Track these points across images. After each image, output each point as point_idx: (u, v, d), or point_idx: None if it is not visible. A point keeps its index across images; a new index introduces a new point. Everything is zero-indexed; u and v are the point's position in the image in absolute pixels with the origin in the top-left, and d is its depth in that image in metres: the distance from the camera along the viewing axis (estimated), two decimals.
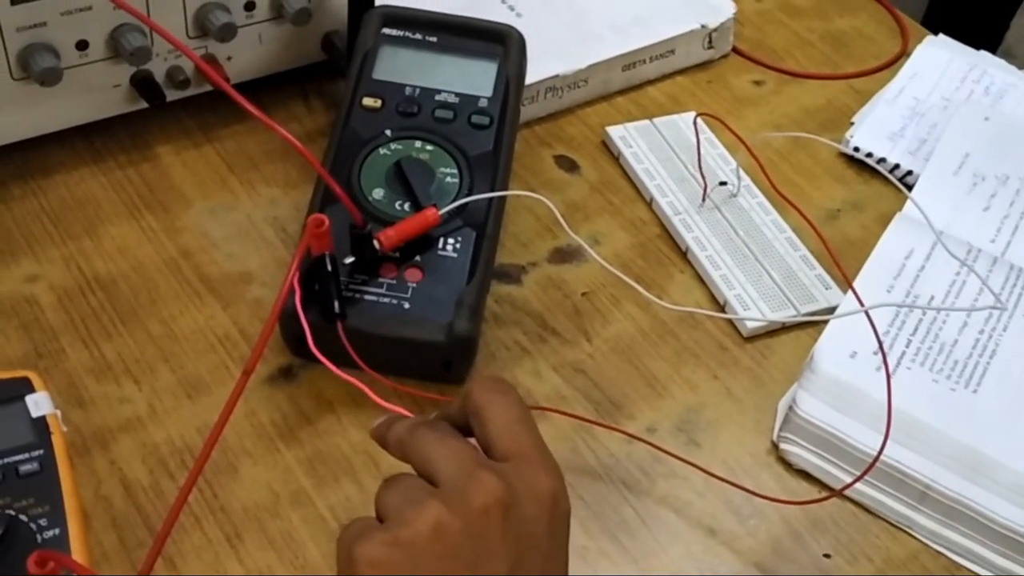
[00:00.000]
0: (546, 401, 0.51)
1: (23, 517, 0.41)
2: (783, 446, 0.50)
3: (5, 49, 0.53)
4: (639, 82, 0.68)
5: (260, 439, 0.49)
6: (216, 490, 0.47)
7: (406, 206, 0.52)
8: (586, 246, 0.52)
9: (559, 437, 0.50)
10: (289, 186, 0.60)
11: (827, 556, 0.47)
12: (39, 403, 0.45)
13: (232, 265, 0.56)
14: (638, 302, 0.56)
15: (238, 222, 0.58)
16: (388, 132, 0.54)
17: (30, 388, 0.45)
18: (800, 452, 0.49)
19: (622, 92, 0.68)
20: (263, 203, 0.59)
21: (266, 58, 0.62)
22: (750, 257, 0.57)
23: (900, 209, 0.60)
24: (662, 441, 0.50)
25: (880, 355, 0.51)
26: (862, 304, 0.51)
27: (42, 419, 0.44)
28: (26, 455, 0.43)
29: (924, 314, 0.53)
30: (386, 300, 0.49)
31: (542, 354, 0.53)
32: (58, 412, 0.45)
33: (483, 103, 0.55)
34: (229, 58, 0.61)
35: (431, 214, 0.50)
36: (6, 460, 0.43)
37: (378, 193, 0.53)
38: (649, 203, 0.61)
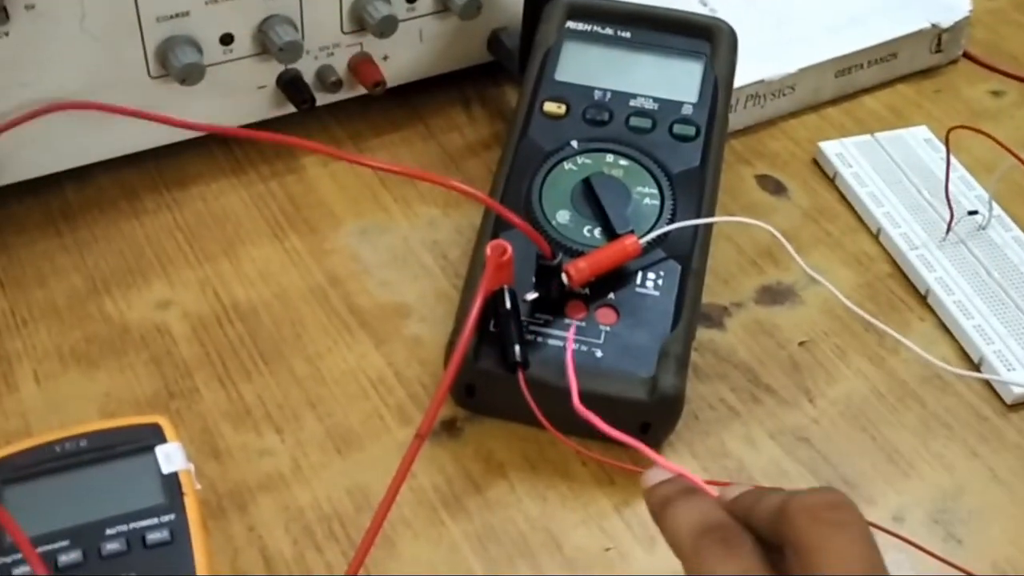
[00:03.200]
0: (763, 476, 0.42)
1: None
2: None
3: (143, 42, 0.47)
4: (853, 91, 0.58)
5: (421, 507, 0.41)
6: (371, 570, 0.39)
7: (596, 232, 0.44)
8: (821, 280, 0.42)
9: None
10: (450, 205, 0.52)
11: None
12: (171, 456, 0.37)
13: (386, 295, 0.48)
14: (870, 356, 0.46)
15: (393, 245, 0.50)
16: (574, 144, 0.46)
17: (161, 437, 0.38)
18: None
19: (833, 102, 0.58)
20: (421, 224, 0.51)
21: (426, 58, 0.55)
22: (1010, 304, 0.47)
23: None
24: (913, 534, 0.40)
25: None
26: None
27: (174, 476, 0.37)
28: (155, 520, 0.36)
29: None
30: (574, 346, 0.41)
31: (755, 417, 0.44)
32: (192, 467, 0.38)
33: (687, 110, 0.47)
34: (386, 57, 0.54)
35: (630, 243, 0.42)
36: (132, 525, 0.35)
37: (563, 216, 0.44)
38: (876, 234, 0.51)
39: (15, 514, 0.35)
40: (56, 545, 0.35)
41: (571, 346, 0.40)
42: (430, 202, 0.52)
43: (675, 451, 0.43)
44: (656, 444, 0.42)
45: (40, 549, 0.35)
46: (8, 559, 0.35)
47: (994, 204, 0.50)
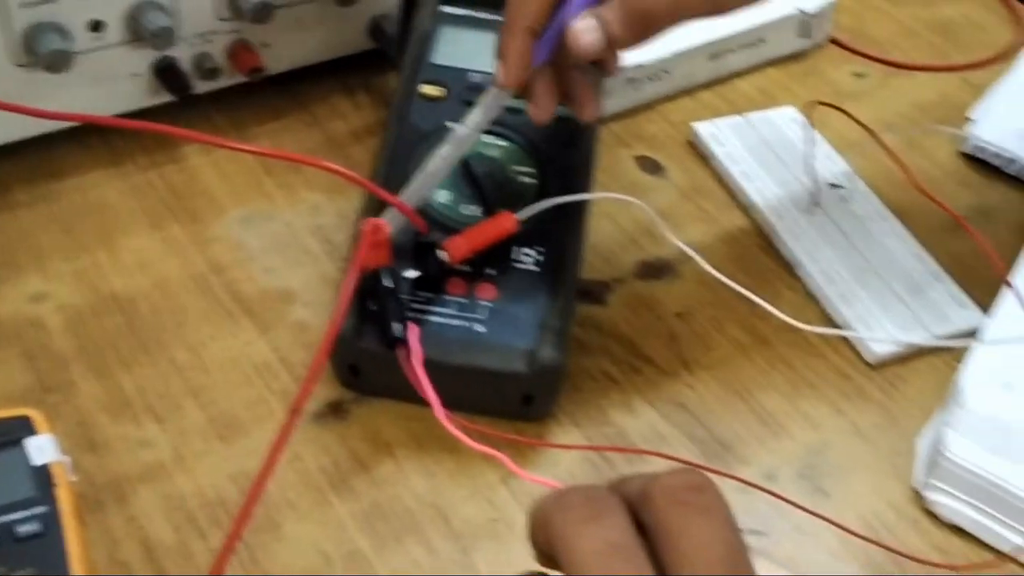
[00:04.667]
0: (642, 441, 0.43)
1: None
2: (930, 496, 0.41)
3: (9, 30, 0.46)
4: (726, 74, 0.60)
5: (307, 489, 0.41)
6: (256, 552, 0.39)
7: (475, 211, 0.44)
8: (695, 256, 0.43)
9: None
10: (334, 191, 0.52)
11: None
12: (42, 448, 0.37)
13: (271, 282, 0.48)
14: (743, 325, 0.48)
15: (277, 232, 0.50)
16: (452, 125, 0.47)
17: (30, 430, 0.37)
18: (952, 504, 0.41)
19: (707, 86, 0.60)
20: (304, 210, 0.51)
21: (307, 45, 0.55)
22: (870, 271, 0.49)
23: None
24: (784, 490, 0.41)
25: None
26: None
27: (45, 468, 0.36)
28: (25, 513, 0.35)
29: None
30: (456, 322, 0.42)
31: (635, 386, 0.45)
32: (66, 459, 0.37)
33: None
34: (265, 45, 0.53)
35: (507, 220, 0.42)
36: (1, 519, 0.35)
37: (443, 196, 0.45)
38: (747, 209, 0.53)
39: None
40: None
41: (418, 355, 0.39)
42: (314, 188, 0.52)
43: (558, 422, 0.44)
44: (540, 416, 0.43)
45: None
46: None
47: (856, 178, 0.52)
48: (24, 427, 0.37)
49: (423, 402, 0.40)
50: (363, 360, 0.42)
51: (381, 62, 0.58)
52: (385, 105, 0.57)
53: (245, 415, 0.43)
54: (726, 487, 0.41)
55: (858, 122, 0.51)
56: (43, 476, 0.36)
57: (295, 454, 0.42)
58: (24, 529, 0.34)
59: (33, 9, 0.46)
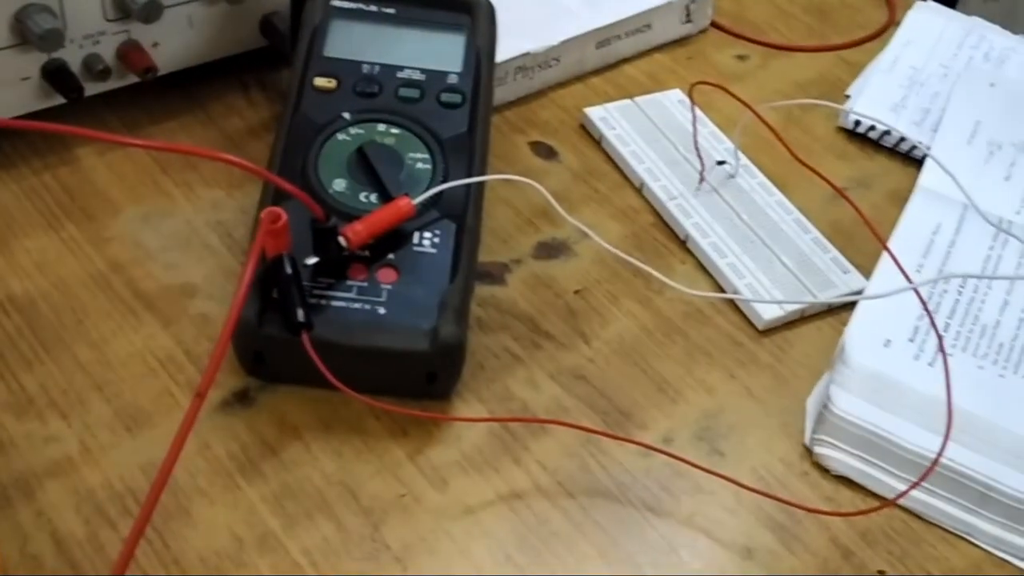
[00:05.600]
0: (545, 413, 0.45)
1: None
2: (818, 450, 0.44)
3: None
4: (615, 60, 0.62)
5: (216, 476, 0.41)
6: (167, 539, 0.39)
7: (373, 197, 0.45)
8: (591, 234, 0.45)
9: (565, 454, 0.43)
10: (233, 186, 0.52)
11: (881, 573, 0.41)
12: None
13: (172, 277, 0.48)
14: (638, 298, 0.50)
15: (176, 229, 0.50)
16: (346, 115, 0.47)
17: None
18: (839, 456, 0.43)
19: (597, 72, 0.62)
20: (204, 207, 0.52)
21: (198, 44, 0.55)
22: (757, 242, 0.51)
23: (910, 185, 0.55)
24: (682, 452, 0.43)
25: (916, 342, 0.45)
26: (911, 281, 0.45)
27: None
28: None
29: (960, 294, 0.47)
30: (357, 306, 0.42)
31: (536, 361, 0.47)
32: None
33: (453, 79, 0.49)
34: (155, 44, 0.53)
35: (404, 204, 0.44)
36: None
37: (339, 184, 0.46)
38: (639, 189, 0.55)
39: None
40: None
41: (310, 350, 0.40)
42: (213, 184, 0.53)
43: (463, 399, 0.45)
44: (444, 393, 0.44)
45: None
46: None
47: (740, 155, 0.55)
48: None
49: (330, 387, 0.41)
50: (267, 347, 0.42)
51: (274, 59, 0.58)
52: (280, 100, 0.58)
53: (151, 407, 0.43)
54: (627, 453, 0.44)
55: (740, 100, 0.54)
56: None
57: (204, 442, 0.42)
58: None
59: None
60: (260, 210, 0.45)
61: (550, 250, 0.52)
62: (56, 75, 0.51)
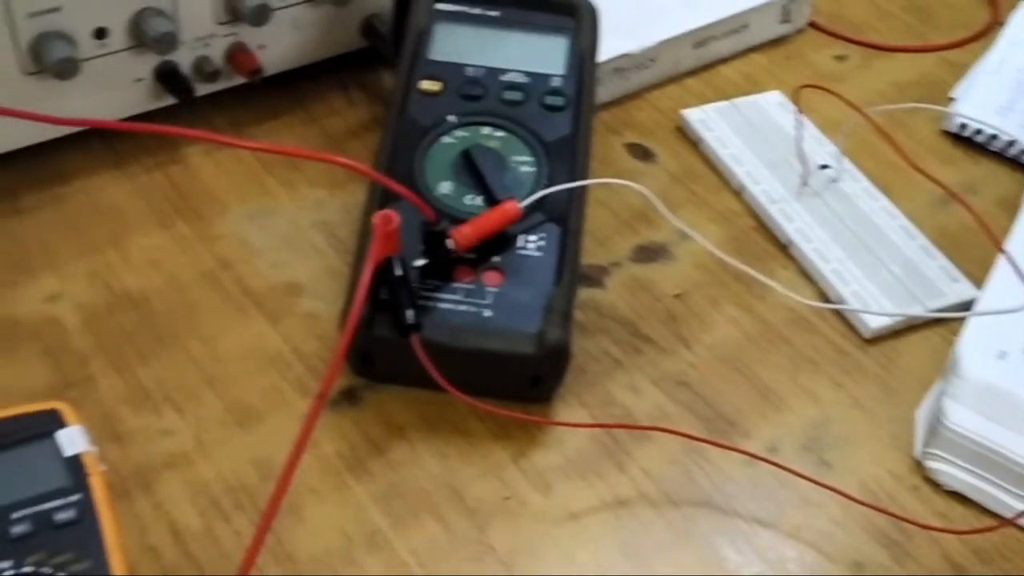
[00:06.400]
0: (648, 419, 0.45)
1: None
2: (930, 464, 0.43)
3: (17, 40, 0.47)
4: (711, 61, 0.62)
5: (326, 474, 0.42)
6: (280, 535, 0.40)
7: (478, 200, 0.46)
8: (696, 236, 0.45)
9: (669, 461, 0.43)
10: (335, 186, 0.53)
11: None
12: (72, 439, 0.38)
13: (278, 276, 0.49)
14: (740, 304, 0.49)
15: (281, 228, 0.51)
16: (452, 118, 0.48)
17: (60, 423, 0.38)
18: (952, 471, 0.43)
19: (693, 73, 0.61)
20: (308, 206, 0.52)
21: (302, 46, 0.56)
22: (862, 248, 0.51)
23: (1018, 191, 0.54)
24: (787, 462, 0.43)
25: None
26: None
27: (76, 458, 0.38)
28: (61, 501, 0.36)
29: None
30: (464, 308, 0.43)
31: (637, 366, 0.47)
32: (94, 449, 0.38)
33: (556, 82, 0.49)
34: (262, 46, 0.54)
35: (511, 207, 0.44)
36: (38, 508, 0.36)
37: (445, 187, 0.46)
38: (739, 192, 0.54)
39: None
40: None
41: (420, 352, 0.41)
42: (316, 184, 0.53)
43: (565, 403, 0.45)
44: (546, 397, 0.45)
45: None
46: None
47: (843, 158, 0.54)
48: (54, 420, 0.38)
49: (433, 387, 0.41)
50: (376, 348, 0.43)
51: (373, 59, 0.59)
52: (379, 101, 0.58)
53: (261, 403, 0.44)
54: (731, 461, 0.43)
55: (848, 102, 0.53)
56: (75, 466, 0.37)
57: (313, 440, 0.43)
58: (61, 516, 0.36)
59: (40, 19, 0.47)
60: (367, 212, 0.46)
61: (649, 253, 0.52)
62: (168, 77, 0.52)
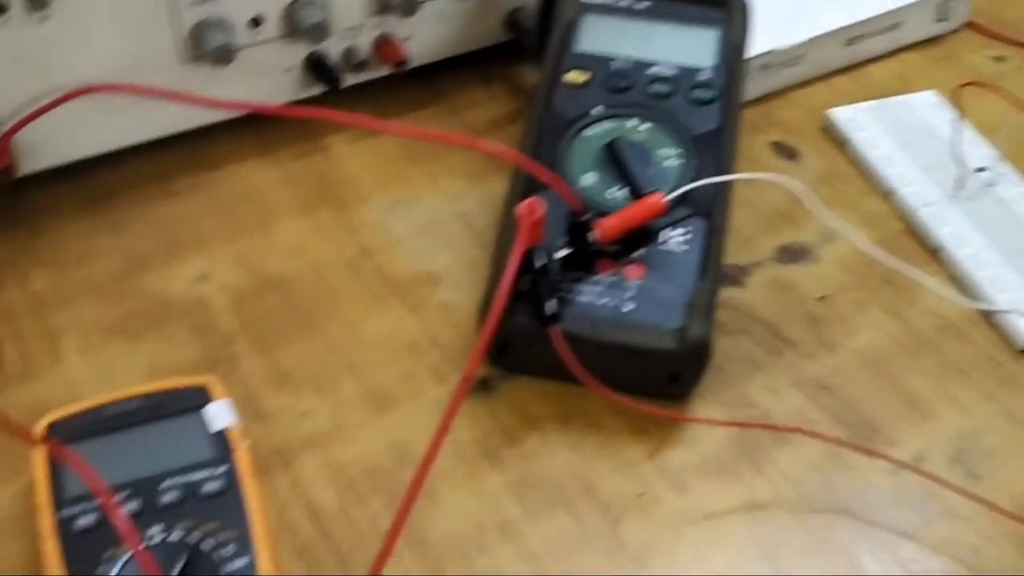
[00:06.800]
0: (788, 422, 0.43)
1: (207, 545, 0.35)
2: None
3: (178, 27, 0.49)
4: (861, 59, 0.60)
5: (460, 460, 0.42)
6: (413, 518, 0.40)
7: (621, 193, 0.45)
8: (848, 235, 0.44)
9: (809, 466, 0.42)
10: (475, 178, 0.54)
11: None
12: (219, 413, 0.39)
13: (417, 264, 0.50)
14: (887, 308, 0.48)
15: (421, 218, 0.52)
16: (597, 110, 0.48)
17: (208, 397, 0.40)
18: None
19: (842, 71, 0.59)
20: (447, 197, 0.53)
21: (447, 38, 0.57)
22: (1019, 255, 0.48)
23: None
24: (935, 472, 0.41)
25: None
26: None
27: (223, 432, 0.39)
28: (208, 472, 0.37)
29: None
30: (604, 301, 0.42)
31: (778, 368, 0.45)
32: (240, 424, 0.39)
33: (705, 76, 0.48)
34: (407, 38, 0.55)
35: (656, 201, 0.43)
36: (186, 478, 0.37)
37: (588, 179, 0.46)
38: (887, 195, 0.52)
39: (68, 472, 0.37)
40: (116, 498, 0.37)
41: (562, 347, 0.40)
42: (456, 176, 0.54)
43: (703, 400, 0.44)
44: (683, 395, 0.44)
45: (99, 502, 0.36)
46: (71, 511, 0.36)
47: (1002, 161, 0.52)
48: (202, 395, 0.40)
49: (568, 379, 0.41)
50: (514, 337, 0.43)
51: (515, 53, 0.59)
52: (520, 94, 0.59)
53: (398, 389, 0.45)
54: (875, 469, 0.42)
55: (1009, 98, 0.50)
56: (222, 440, 0.38)
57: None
58: (208, 487, 0.37)
59: (200, 7, 0.48)
60: (508, 202, 0.46)
61: (792, 254, 0.50)
62: (317, 66, 0.53)
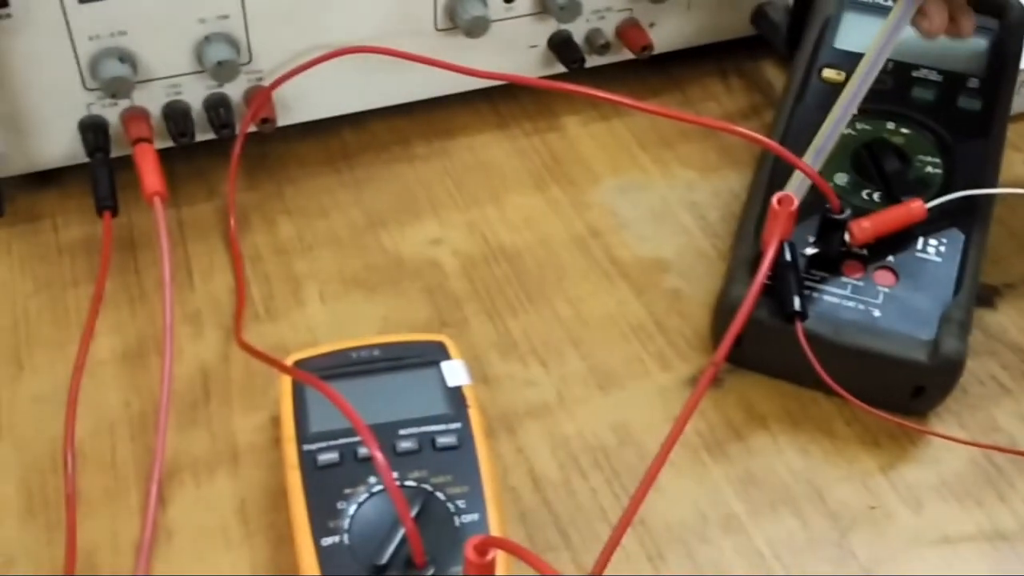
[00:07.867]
0: None
1: (440, 495, 0.36)
2: None
3: None
4: None
5: (684, 449, 0.41)
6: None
7: (875, 196, 0.43)
8: None
9: None
10: (707, 169, 0.53)
11: None
12: (455, 371, 0.40)
13: (645, 250, 0.49)
14: None
15: (651, 203, 0.51)
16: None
17: (445, 354, 0.40)
18: None
19: None
20: (679, 185, 0.52)
21: (691, 28, 0.56)
22: None
23: None
24: None
25: None
26: None
27: (458, 389, 0.39)
28: (443, 427, 0.38)
29: None
30: (851, 304, 0.41)
31: None
32: (473, 384, 0.40)
33: (973, 83, 0.46)
34: (652, 24, 0.55)
35: (916, 207, 0.41)
36: (422, 429, 0.38)
37: (841, 178, 0.44)
38: None
39: (313, 409, 0.38)
40: (356, 439, 0.37)
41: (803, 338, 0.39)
42: (688, 165, 0.53)
43: (942, 421, 0.42)
44: (925, 410, 0.42)
45: (342, 441, 0.37)
46: (314, 446, 0.37)
47: None
48: (440, 351, 0.40)
49: (798, 380, 0.40)
50: (751, 330, 0.42)
51: (755, 49, 0.58)
52: (759, 91, 0.57)
53: (622, 370, 0.44)
54: None
55: None
56: (457, 396, 0.39)
57: (673, 415, 0.42)
58: (443, 441, 0.37)
59: None
60: (753, 190, 0.45)
61: None
62: (562, 45, 0.53)
